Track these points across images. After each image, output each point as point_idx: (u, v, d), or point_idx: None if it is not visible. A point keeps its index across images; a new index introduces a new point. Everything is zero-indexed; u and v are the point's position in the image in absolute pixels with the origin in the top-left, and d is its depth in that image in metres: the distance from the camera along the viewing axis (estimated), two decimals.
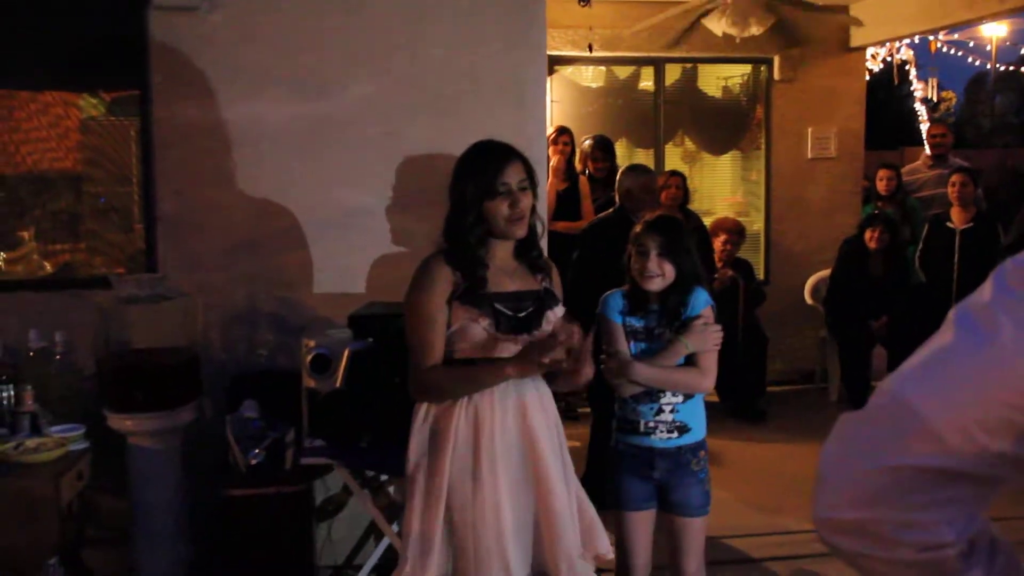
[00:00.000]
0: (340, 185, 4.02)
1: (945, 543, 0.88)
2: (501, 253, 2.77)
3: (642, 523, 3.10)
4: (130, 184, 4.22)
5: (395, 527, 3.55)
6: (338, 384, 3.45)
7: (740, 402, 6.48)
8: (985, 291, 0.91)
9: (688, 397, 3.05)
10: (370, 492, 3.75)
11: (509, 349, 2.71)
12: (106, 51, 4.05)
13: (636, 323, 3.07)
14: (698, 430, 3.08)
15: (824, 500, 0.93)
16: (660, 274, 3.03)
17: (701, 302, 3.09)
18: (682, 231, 3.13)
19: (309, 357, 3.45)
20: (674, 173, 6.77)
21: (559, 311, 2.82)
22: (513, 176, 2.68)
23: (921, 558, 0.89)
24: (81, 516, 3.44)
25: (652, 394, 3.02)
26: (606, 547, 2.89)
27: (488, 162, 2.70)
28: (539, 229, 2.82)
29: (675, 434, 3.04)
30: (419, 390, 2.74)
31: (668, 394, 3.02)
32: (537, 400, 2.78)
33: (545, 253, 3.00)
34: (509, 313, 2.69)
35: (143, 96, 3.98)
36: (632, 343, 3.06)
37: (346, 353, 3.44)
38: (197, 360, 3.70)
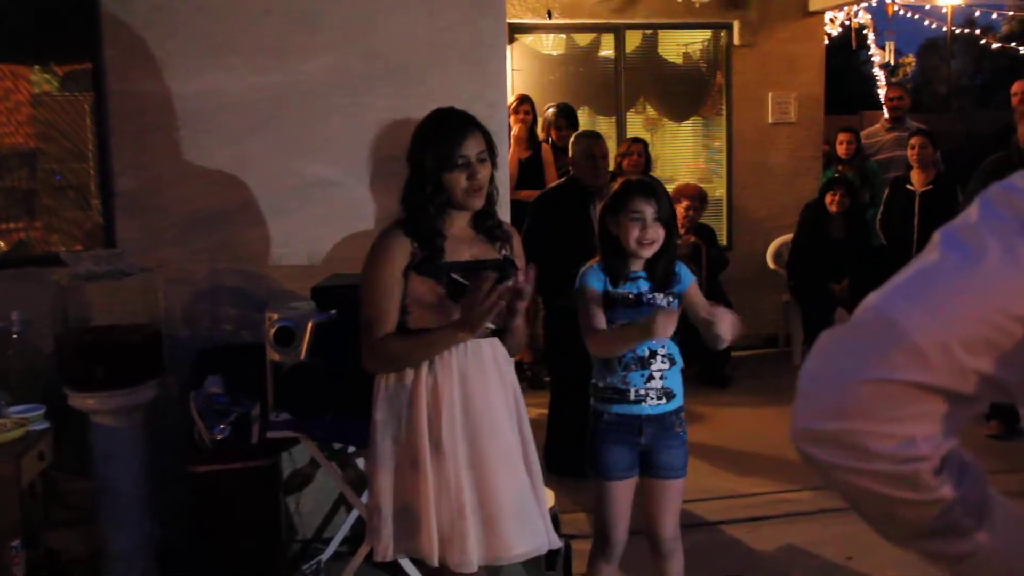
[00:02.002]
0: (301, 157, 3.97)
1: (920, 456, 0.89)
2: (459, 222, 2.76)
3: (625, 491, 3.10)
4: (86, 160, 4.14)
5: (364, 499, 3.55)
6: (302, 357, 3.42)
7: (705, 368, 6.51)
8: (971, 214, 0.91)
9: (673, 364, 3.05)
10: (337, 464, 3.74)
11: None
12: (56, 22, 3.96)
13: (622, 291, 3.02)
14: (680, 395, 3.10)
15: (803, 411, 0.94)
16: (657, 239, 2.99)
17: (688, 276, 3.10)
18: (666, 191, 3.11)
19: (273, 330, 3.42)
20: (636, 140, 6.77)
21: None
22: (472, 148, 2.67)
23: (895, 470, 0.90)
24: (44, 497, 3.40)
25: (643, 362, 3.00)
26: (555, 542, 2.87)
27: (447, 133, 2.68)
28: (495, 197, 2.80)
29: (663, 400, 3.04)
30: (372, 360, 2.73)
31: (658, 360, 3.01)
32: (498, 376, 2.78)
33: (508, 221, 2.99)
34: (466, 282, 2.68)
35: (96, 69, 3.89)
36: (620, 310, 3.01)
37: (310, 326, 3.42)
38: (159, 336, 3.66)
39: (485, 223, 2.80)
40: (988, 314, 0.86)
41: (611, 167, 6.19)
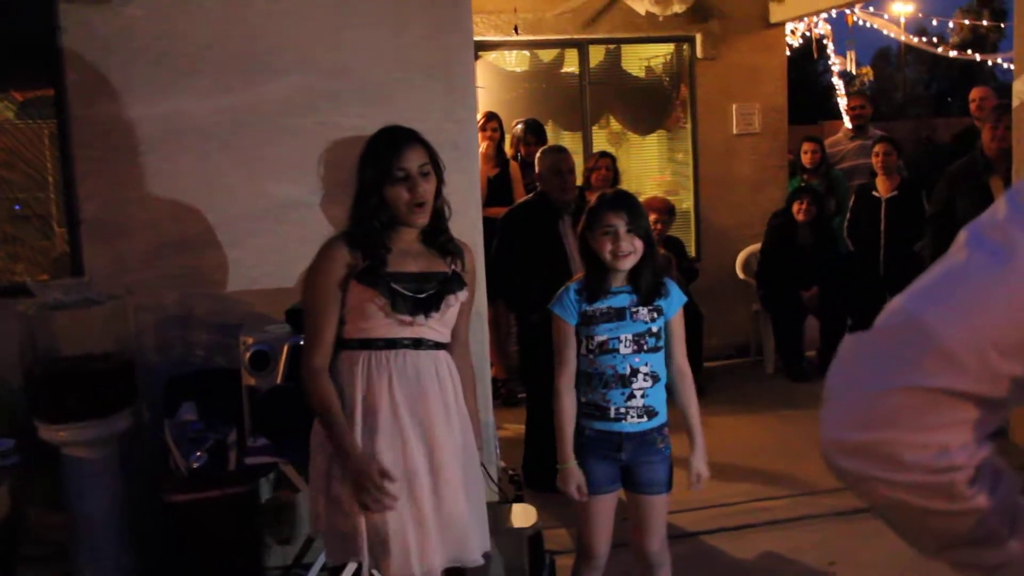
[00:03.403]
0: (270, 178, 3.93)
1: (956, 466, 0.86)
2: (407, 237, 2.78)
3: (607, 506, 3.08)
4: (47, 188, 4.08)
5: None
6: (279, 381, 3.38)
7: None
8: (999, 211, 0.88)
9: (656, 381, 3.02)
10: None
11: (404, 330, 2.70)
12: (15, 49, 3.89)
13: (602, 305, 2.99)
14: (663, 412, 3.07)
15: (831, 422, 0.90)
16: (633, 251, 2.95)
17: (678, 299, 3.06)
18: (639, 203, 3.09)
19: (248, 354, 3.38)
20: (603, 155, 6.79)
21: (462, 295, 2.81)
22: (412, 161, 2.68)
23: (929, 481, 0.87)
24: (14, 533, 3.33)
25: (624, 380, 2.97)
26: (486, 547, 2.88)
27: (386, 147, 2.71)
28: (446, 212, 2.81)
29: (644, 418, 3.01)
30: (306, 380, 2.73)
31: (639, 379, 2.98)
32: (438, 389, 2.75)
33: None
34: (407, 293, 2.69)
35: (58, 95, 3.84)
36: (601, 325, 2.98)
37: (285, 349, 3.38)
38: (131, 364, 3.60)
39: (436, 238, 2.81)
40: (1021, 316, 0.83)
41: (579, 182, 6.20)
